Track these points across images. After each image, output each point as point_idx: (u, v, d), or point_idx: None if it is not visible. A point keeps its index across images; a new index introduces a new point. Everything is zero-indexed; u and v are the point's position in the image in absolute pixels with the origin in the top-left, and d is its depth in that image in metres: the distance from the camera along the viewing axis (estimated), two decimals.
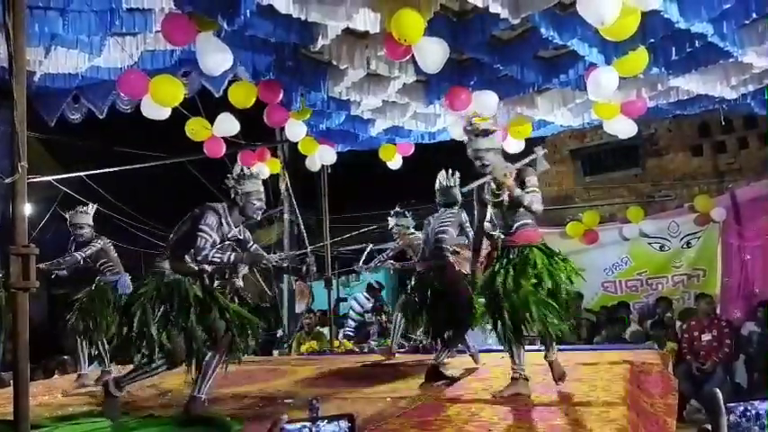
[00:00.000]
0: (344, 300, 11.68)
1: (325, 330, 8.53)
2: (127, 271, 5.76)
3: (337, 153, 7.25)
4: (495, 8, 3.98)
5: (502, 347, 4.17)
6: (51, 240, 6.30)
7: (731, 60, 5.09)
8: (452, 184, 5.17)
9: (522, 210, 3.85)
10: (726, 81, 5.48)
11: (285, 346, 8.24)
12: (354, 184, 9.84)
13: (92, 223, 5.68)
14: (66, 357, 7.83)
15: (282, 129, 6.97)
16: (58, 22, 4.51)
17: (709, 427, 4.78)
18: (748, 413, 4.09)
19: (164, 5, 4.51)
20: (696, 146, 10.53)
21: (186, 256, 3.86)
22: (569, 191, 11.50)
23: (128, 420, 3.78)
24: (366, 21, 4.22)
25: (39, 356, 7.49)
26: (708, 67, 5.25)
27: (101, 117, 6.10)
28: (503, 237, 3.90)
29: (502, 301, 3.72)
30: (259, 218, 4.17)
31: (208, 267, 3.92)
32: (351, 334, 9.38)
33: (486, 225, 4.01)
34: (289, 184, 8.63)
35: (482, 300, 4.01)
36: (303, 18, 4.09)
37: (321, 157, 7.17)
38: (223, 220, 3.92)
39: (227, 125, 6.10)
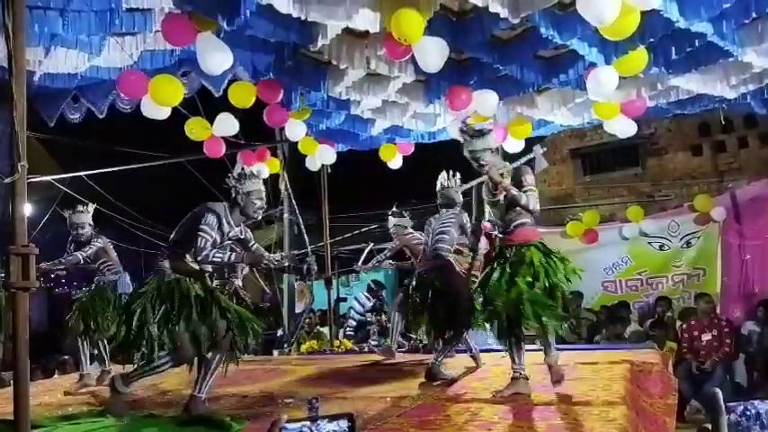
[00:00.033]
0: (344, 300, 11.67)
1: (325, 330, 8.52)
2: (127, 271, 5.77)
3: (337, 153, 7.25)
4: (494, 8, 3.97)
5: (502, 347, 4.17)
6: (51, 240, 6.29)
7: (731, 60, 5.08)
8: (453, 186, 5.22)
9: (519, 209, 3.86)
10: (726, 80, 5.46)
11: (286, 345, 8.25)
12: (354, 184, 9.82)
13: (91, 223, 5.67)
14: (66, 357, 7.83)
15: (282, 128, 6.96)
16: (58, 22, 4.49)
17: (710, 426, 4.77)
18: (748, 412, 4.09)
19: (164, 5, 4.49)
20: (696, 145, 10.53)
21: (187, 256, 3.87)
22: (569, 190, 11.51)
23: (128, 420, 3.78)
24: (366, 20, 4.21)
25: (39, 356, 7.50)
26: (708, 67, 5.24)
27: (101, 117, 6.08)
28: (500, 235, 3.91)
29: (496, 298, 3.72)
30: (260, 217, 4.18)
31: (208, 267, 3.93)
32: (351, 334, 9.38)
33: (487, 225, 4.02)
34: (288, 184, 8.62)
35: (480, 299, 4.02)
36: (303, 18, 4.08)
37: (321, 156, 7.17)
38: (224, 220, 3.93)
39: (227, 125, 6.09)
